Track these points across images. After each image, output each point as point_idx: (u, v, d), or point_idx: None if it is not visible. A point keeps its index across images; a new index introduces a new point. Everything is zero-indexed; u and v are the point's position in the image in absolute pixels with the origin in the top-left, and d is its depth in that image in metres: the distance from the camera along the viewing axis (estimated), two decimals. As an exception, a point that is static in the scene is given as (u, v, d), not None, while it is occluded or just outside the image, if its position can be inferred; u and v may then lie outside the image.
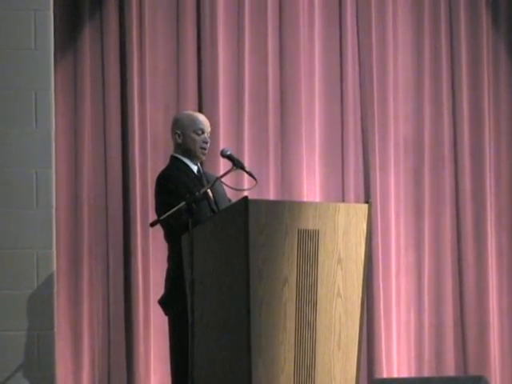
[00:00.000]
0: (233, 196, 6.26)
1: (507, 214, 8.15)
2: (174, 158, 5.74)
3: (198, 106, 7.50)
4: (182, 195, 5.47)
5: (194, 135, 5.59)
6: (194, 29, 7.51)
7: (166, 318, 5.85)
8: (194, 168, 5.61)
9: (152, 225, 5.41)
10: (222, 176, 5.72)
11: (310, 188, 7.76)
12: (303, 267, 5.54)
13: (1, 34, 6.54)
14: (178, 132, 5.73)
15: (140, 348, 7.27)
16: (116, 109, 7.20)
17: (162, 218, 5.37)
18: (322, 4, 7.89)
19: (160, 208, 5.65)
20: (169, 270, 5.93)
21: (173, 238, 5.87)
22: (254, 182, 5.76)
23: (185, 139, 5.66)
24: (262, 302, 5.33)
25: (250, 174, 5.76)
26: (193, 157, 5.63)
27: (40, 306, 6.52)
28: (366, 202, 6.71)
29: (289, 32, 7.58)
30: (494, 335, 8.16)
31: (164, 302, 6.05)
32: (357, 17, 7.90)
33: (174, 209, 5.20)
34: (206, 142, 5.67)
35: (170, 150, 5.83)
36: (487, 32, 8.24)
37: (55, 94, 6.59)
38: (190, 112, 6.16)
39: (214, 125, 7.14)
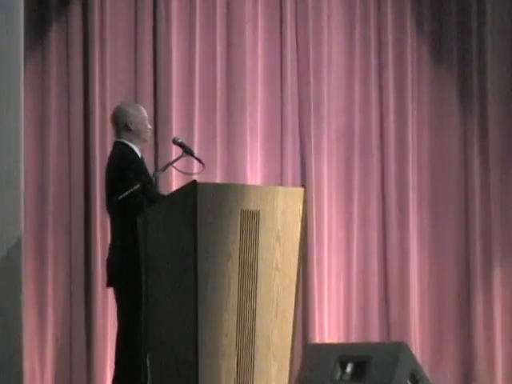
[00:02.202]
0: (183, 180, 6.43)
1: (428, 199, 8.38)
2: (121, 144, 5.81)
3: (154, 100, 7.63)
4: (139, 176, 5.53)
5: (146, 122, 5.74)
6: (150, 31, 7.66)
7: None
8: (139, 153, 5.74)
9: (116, 201, 5.49)
10: (174, 161, 5.84)
11: (253, 173, 7.94)
12: (245, 244, 5.61)
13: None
14: (130, 119, 5.80)
15: (98, 321, 7.41)
16: (79, 103, 7.33)
17: (122, 196, 5.31)
18: (265, 13, 8.05)
19: (124, 186, 5.47)
20: (116, 247, 5.95)
21: (122, 218, 5.87)
22: (202, 167, 5.82)
23: (137, 126, 5.77)
24: (208, 275, 5.40)
25: (199, 160, 5.85)
26: (142, 142, 5.77)
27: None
28: (302, 186, 7.03)
29: (234, 34, 7.70)
30: (415, 305, 8.31)
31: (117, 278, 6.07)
32: (296, 20, 8.03)
33: (132, 189, 5.14)
34: (150, 128, 5.89)
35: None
36: (411, 33, 8.45)
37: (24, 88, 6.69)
38: (132, 103, 6.46)
39: (168, 116, 7.52)
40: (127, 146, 5.78)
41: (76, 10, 7.62)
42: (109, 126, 7.11)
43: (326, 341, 7.97)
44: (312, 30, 8.11)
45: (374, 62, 8.22)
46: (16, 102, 6.59)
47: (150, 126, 5.85)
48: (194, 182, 5.46)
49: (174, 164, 5.89)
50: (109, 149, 6.75)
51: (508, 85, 8.60)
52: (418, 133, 8.41)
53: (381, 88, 8.45)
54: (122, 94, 7.65)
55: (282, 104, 8.22)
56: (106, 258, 6.06)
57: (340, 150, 8.43)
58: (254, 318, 5.65)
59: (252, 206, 5.70)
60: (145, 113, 5.89)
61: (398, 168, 8.32)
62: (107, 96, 7.51)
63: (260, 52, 8.07)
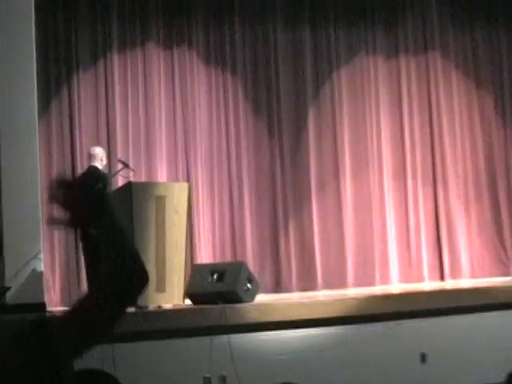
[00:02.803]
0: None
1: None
2: (95, 167, 8.47)
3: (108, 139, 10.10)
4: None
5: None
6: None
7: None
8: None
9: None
10: (118, 172, 8.56)
11: (162, 173, 10.26)
12: (158, 214, 7.82)
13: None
14: (104, 156, 8.60)
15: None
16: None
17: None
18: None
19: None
20: None
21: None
22: (134, 172, 8.69)
23: (106, 160, 8.57)
24: (141, 241, 7.66)
25: (131, 168, 8.70)
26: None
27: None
28: (187, 181, 9.64)
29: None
30: (247, 236, 10.59)
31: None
32: None
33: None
34: None
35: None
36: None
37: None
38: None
39: (114, 145, 9.98)
40: (97, 168, 8.38)
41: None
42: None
43: (204, 261, 10.11)
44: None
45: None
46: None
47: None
48: (130, 182, 8.11)
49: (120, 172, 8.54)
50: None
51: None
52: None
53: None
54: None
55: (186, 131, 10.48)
56: None
57: (212, 155, 10.61)
58: (164, 252, 8.01)
59: (161, 193, 8.10)
60: None
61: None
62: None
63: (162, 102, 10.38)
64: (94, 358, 6.38)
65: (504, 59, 12.12)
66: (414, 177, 11.54)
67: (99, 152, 8.74)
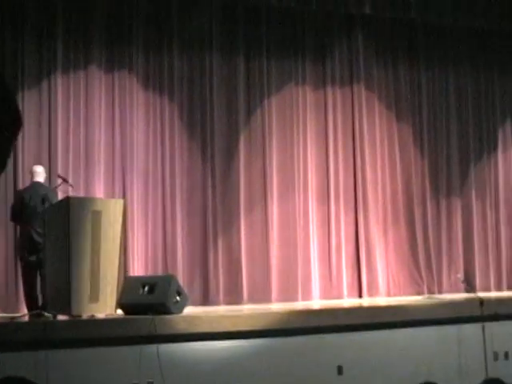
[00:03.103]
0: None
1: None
2: (38, 182, 8.59)
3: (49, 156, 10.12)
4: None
5: None
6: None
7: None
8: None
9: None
10: (57, 187, 8.56)
11: (100, 189, 10.35)
12: (94, 228, 7.76)
13: None
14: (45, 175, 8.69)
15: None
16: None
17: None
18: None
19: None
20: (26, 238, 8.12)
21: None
22: (72, 188, 8.75)
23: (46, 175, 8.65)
24: (77, 253, 7.67)
25: (70, 184, 8.75)
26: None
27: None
28: (123, 198, 9.71)
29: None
30: (178, 251, 10.65)
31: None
32: None
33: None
34: None
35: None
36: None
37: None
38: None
39: (54, 162, 10.03)
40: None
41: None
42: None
43: (136, 274, 10.28)
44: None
45: None
46: None
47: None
48: (68, 197, 8.04)
49: (59, 187, 8.57)
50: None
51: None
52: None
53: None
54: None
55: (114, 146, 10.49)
56: None
57: (144, 170, 10.62)
58: (99, 264, 7.95)
59: (98, 208, 8.07)
60: None
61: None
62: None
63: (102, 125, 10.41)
64: (26, 364, 6.83)
65: (423, 94, 12.58)
66: (337, 201, 11.87)
67: (41, 170, 8.94)
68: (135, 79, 10.84)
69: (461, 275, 11.70)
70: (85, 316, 8.00)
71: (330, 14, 12.02)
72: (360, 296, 11.80)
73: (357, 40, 12.24)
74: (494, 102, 13.30)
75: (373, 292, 11.80)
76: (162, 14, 11.13)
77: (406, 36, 12.68)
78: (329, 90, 12.04)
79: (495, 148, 13.18)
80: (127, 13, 10.95)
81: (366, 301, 11.49)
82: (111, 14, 10.83)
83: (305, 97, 11.85)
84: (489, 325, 8.92)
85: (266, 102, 11.57)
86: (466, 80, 13.09)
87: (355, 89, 12.14)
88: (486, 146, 13.14)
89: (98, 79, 10.65)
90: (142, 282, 8.62)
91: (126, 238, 10.04)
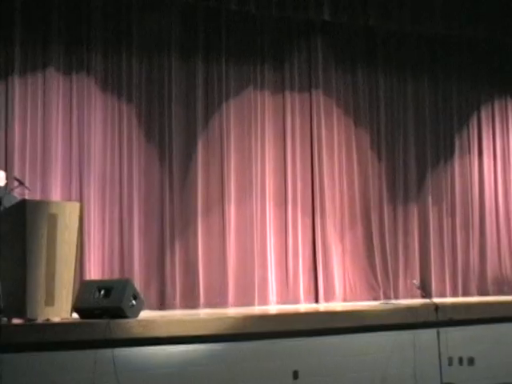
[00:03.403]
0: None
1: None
2: None
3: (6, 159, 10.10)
4: None
5: None
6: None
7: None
8: None
9: None
10: (13, 189, 8.47)
11: (56, 192, 10.34)
12: (50, 230, 7.68)
13: None
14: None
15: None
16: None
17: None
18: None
19: None
20: None
21: None
22: (28, 190, 8.73)
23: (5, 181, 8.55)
24: (33, 256, 7.61)
25: (26, 186, 8.65)
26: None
27: None
28: (80, 201, 9.73)
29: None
30: (135, 254, 10.68)
31: None
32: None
33: None
34: None
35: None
36: None
37: None
38: None
39: (11, 164, 10.05)
40: None
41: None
42: None
43: (93, 277, 10.26)
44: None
45: None
46: None
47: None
48: (24, 199, 8.09)
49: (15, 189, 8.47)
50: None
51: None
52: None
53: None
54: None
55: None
56: None
57: (100, 179, 10.61)
58: (54, 268, 7.87)
59: (54, 211, 7.93)
60: None
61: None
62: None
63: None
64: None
65: (381, 100, 12.70)
66: (294, 205, 11.92)
67: (2, 175, 8.91)
68: (93, 81, 10.82)
69: (416, 281, 11.81)
70: (40, 320, 7.92)
71: (290, 20, 12.08)
72: (316, 301, 11.85)
73: (316, 46, 12.32)
74: (451, 109, 13.44)
75: (329, 297, 11.88)
76: (121, 16, 11.11)
77: (365, 43, 12.79)
78: (287, 95, 12.10)
79: (452, 154, 13.33)
80: (86, 14, 10.91)
81: (323, 306, 11.53)
82: (70, 15, 10.79)
83: (263, 101, 11.91)
84: (443, 330, 8.99)
85: (224, 105, 11.58)
86: (423, 87, 13.23)
87: (314, 94, 12.21)
88: (443, 152, 13.29)
89: (55, 81, 10.60)
90: (97, 285, 8.61)
91: (82, 241, 10.07)
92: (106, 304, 8.23)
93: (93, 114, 10.78)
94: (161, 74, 11.24)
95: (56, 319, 8.09)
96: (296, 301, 11.69)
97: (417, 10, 12.18)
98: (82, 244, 10.05)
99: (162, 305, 10.78)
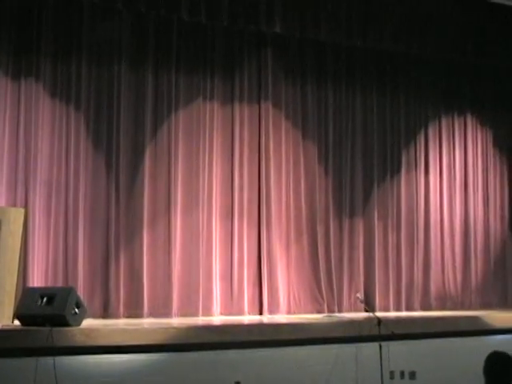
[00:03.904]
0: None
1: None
2: None
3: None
4: None
5: None
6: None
7: None
8: None
9: None
10: None
11: (1, 198, 10.23)
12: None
13: None
14: None
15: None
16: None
17: None
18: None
19: None
20: None
21: None
22: None
23: None
24: None
25: None
26: None
27: None
28: (24, 207, 9.79)
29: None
30: (79, 262, 10.61)
31: None
32: None
33: None
34: None
35: None
36: None
37: None
38: None
39: None
40: None
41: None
42: None
43: (36, 285, 10.11)
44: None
45: None
46: None
47: None
48: None
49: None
50: None
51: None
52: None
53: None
54: None
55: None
56: None
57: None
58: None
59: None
60: None
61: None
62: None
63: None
64: None
65: (329, 114, 12.82)
66: (241, 217, 11.98)
67: None
68: (42, 87, 10.77)
69: (360, 294, 11.95)
70: (-20, 326, 7.88)
71: (241, 32, 12.16)
72: (261, 313, 11.91)
73: (266, 58, 12.40)
74: (399, 124, 13.63)
75: (274, 309, 11.94)
76: (71, 22, 11.08)
77: (315, 56, 12.91)
78: (236, 106, 12.17)
79: (398, 170, 13.51)
80: (36, 20, 10.87)
81: (267, 318, 11.61)
82: (20, 20, 10.74)
83: (212, 112, 11.95)
84: (386, 344, 9.03)
85: (173, 116, 11.59)
86: (372, 102, 13.39)
87: (263, 106, 12.29)
88: (390, 167, 13.46)
89: (3, 86, 10.55)
90: (40, 293, 8.61)
91: (26, 247, 9.99)
92: (48, 311, 8.22)
93: (40, 119, 10.72)
94: (110, 83, 11.21)
95: (-3, 326, 8.03)
96: (240, 312, 11.73)
97: (366, 26, 12.31)
98: (25, 251, 9.98)
99: (105, 314, 10.74)
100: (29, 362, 7.62)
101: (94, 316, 10.22)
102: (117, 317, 10.73)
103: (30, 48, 10.74)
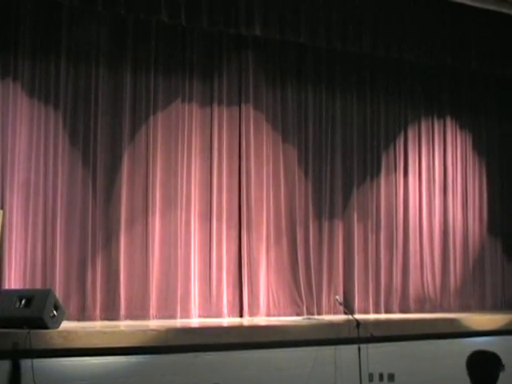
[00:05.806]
0: None
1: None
2: None
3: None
4: None
5: None
6: None
7: None
8: None
9: None
10: None
11: None
12: None
13: None
14: None
15: None
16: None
17: None
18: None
19: None
20: None
21: None
22: None
23: None
24: None
25: None
26: None
27: None
28: (1, 208, 9.83)
29: None
30: (57, 264, 10.52)
31: None
32: None
33: None
34: None
35: None
36: None
37: None
38: None
39: None
40: None
41: None
42: None
43: (13, 287, 10.05)
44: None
45: None
46: None
47: None
48: None
49: None
50: None
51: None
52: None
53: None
54: None
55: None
56: None
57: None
58: None
59: None
60: None
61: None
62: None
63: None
64: None
65: (309, 117, 12.88)
66: (220, 218, 12.01)
67: None
68: (20, 86, 10.74)
69: (339, 297, 12.02)
70: (-43, 328, 7.89)
71: (221, 34, 12.17)
72: (241, 315, 11.95)
73: (247, 60, 12.43)
74: (378, 127, 13.72)
75: (253, 311, 11.98)
76: (50, 22, 11.05)
77: (296, 59, 12.97)
78: (215, 108, 12.18)
79: (378, 172, 13.60)
80: (14, 19, 10.84)
81: (246, 320, 11.65)
82: (-2, 19, 10.72)
83: (191, 114, 11.95)
84: (364, 346, 9.15)
85: (151, 117, 11.60)
86: (352, 105, 13.47)
87: (243, 108, 12.32)
88: (370, 170, 13.55)
89: (-20, 84, 10.53)
90: (18, 295, 8.65)
91: (3, 249, 10.02)
92: (26, 314, 8.24)
93: (18, 119, 10.69)
94: (88, 84, 11.19)
95: (-26, 328, 8.05)
96: (219, 314, 11.75)
97: (345, 30, 12.34)
98: (2, 252, 9.98)
99: (82, 316, 10.73)
100: (6, 364, 7.70)
101: (71, 318, 10.19)
102: (93, 319, 10.72)
103: (7, 47, 10.70)
